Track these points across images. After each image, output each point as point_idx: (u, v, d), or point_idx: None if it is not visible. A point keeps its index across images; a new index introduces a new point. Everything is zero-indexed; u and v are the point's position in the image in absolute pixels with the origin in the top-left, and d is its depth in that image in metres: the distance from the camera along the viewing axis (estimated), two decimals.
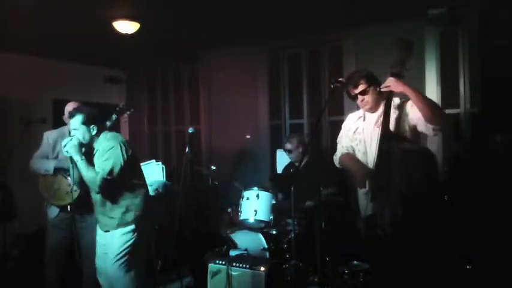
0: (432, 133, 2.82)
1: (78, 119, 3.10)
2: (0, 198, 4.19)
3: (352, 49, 5.38)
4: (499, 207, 3.77)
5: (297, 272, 3.37)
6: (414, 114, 2.84)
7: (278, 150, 5.28)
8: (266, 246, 3.81)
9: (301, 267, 3.40)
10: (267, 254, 3.75)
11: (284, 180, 4.61)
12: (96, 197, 3.21)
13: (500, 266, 3.48)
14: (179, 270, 4.17)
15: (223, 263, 3.46)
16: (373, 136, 2.95)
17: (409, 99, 2.85)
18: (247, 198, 3.98)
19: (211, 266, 3.51)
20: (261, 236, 3.88)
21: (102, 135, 3.18)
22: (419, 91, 2.86)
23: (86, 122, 3.11)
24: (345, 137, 3.25)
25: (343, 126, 3.32)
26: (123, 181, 3.15)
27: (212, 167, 5.10)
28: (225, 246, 3.80)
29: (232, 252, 3.61)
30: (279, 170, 5.10)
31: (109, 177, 3.04)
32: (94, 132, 3.14)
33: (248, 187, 4.08)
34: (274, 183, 4.61)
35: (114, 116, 4.00)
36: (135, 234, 3.18)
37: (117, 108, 4.09)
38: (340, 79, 3.05)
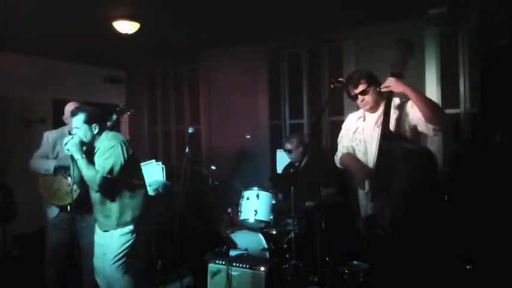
0: (432, 133, 2.82)
1: (80, 117, 3.12)
2: (0, 198, 4.19)
3: (352, 49, 5.38)
4: (499, 207, 3.77)
5: (297, 272, 3.36)
6: (414, 114, 2.84)
7: (278, 150, 5.28)
8: (266, 246, 3.81)
9: (301, 267, 3.40)
10: (267, 254, 3.75)
11: (284, 180, 4.61)
12: (96, 196, 3.21)
13: (500, 266, 3.48)
14: (179, 270, 4.17)
15: (223, 263, 3.46)
16: (373, 136, 2.95)
17: (409, 99, 2.85)
18: (247, 198, 3.98)
19: (211, 266, 3.50)
20: (261, 236, 3.88)
21: (104, 135, 3.19)
22: (420, 91, 2.87)
23: (88, 121, 3.13)
24: (345, 137, 3.25)
25: (343, 126, 3.32)
26: (122, 180, 3.16)
27: (212, 167, 5.10)
28: (225, 246, 3.79)
29: (232, 252, 3.61)
30: (279, 170, 5.10)
31: (109, 176, 3.05)
32: (96, 131, 3.16)
33: (248, 187, 4.08)
34: (274, 183, 4.60)
35: (114, 116, 4.01)
36: (134, 235, 3.18)
37: (118, 109, 4.10)
38: (340, 79, 3.05)
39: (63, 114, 3.85)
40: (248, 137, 6.00)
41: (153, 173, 4.73)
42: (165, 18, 4.78)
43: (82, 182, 3.24)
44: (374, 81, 3.01)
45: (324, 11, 4.63)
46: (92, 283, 3.48)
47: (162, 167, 4.77)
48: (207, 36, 5.58)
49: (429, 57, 4.78)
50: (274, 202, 3.95)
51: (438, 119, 2.77)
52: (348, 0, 4.33)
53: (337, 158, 3.28)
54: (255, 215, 3.88)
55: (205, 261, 3.58)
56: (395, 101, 2.93)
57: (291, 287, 3.33)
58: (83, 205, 3.45)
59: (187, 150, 4.17)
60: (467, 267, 3.51)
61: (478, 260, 3.53)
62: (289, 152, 4.42)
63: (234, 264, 3.41)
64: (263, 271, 3.31)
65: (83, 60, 6.45)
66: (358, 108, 3.24)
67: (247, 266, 3.37)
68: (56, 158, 3.73)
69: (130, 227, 3.17)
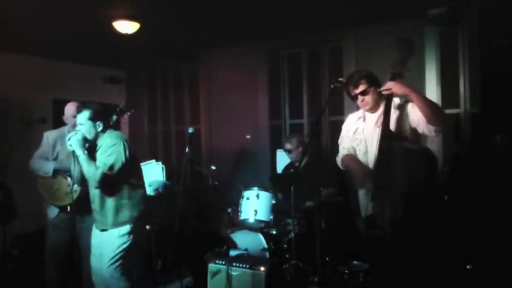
0: (433, 134, 2.82)
1: (85, 114, 3.16)
2: (0, 198, 4.19)
3: (352, 49, 5.38)
4: (499, 207, 3.77)
5: (297, 272, 3.36)
6: (415, 115, 2.84)
7: (278, 150, 5.28)
8: (266, 246, 3.81)
9: (301, 267, 3.40)
10: (267, 254, 3.75)
11: (284, 180, 4.61)
12: (94, 195, 3.22)
13: (500, 266, 3.48)
14: (179, 270, 4.17)
15: (223, 263, 3.45)
16: (374, 136, 2.95)
17: (409, 100, 2.86)
18: (247, 198, 3.98)
19: (211, 266, 3.50)
20: (261, 236, 3.88)
21: (107, 133, 3.22)
22: (420, 92, 2.87)
23: (93, 118, 3.16)
24: (346, 137, 3.25)
25: (343, 127, 3.32)
26: (122, 179, 3.17)
27: (212, 167, 5.10)
28: (225, 246, 3.79)
29: (232, 252, 3.61)
30: (279, 170, 5.10)
31: (109, 173, 3.07)
32: (100, 129, 3.19)
33: (248, 187, 4.08)
34: (274, 183, 4.60)
35: (114, 117, 4.01)
36: (131, 236, 3.19)
37: (118, 109, 4.10)
38: (340, 79, 3.05)
39: (63, 114, 3.85)
40: (248, 137, 6.00)
41: (153, 173, 4.73)
42: (165, 18, 4.78)
43: (82, 181, 3.25)
44: (374, 82, 3.01)
45: (324, 11, 4.63)
46: (92, 283, 3.48)
47: (162, 167, 4.78)
48: (207, 36, 5.58)
49: (429, 57, 4.78)
50: (274, 202, 3.95)
51: (439, 120, 2.77)
52: (348, 0, 4.33)
53: (339, 159, 3.29)
54: (255, 215, 3.88)
55: (205, 261, 3.57)
56: (396, 101, 2.93)
57: (291, 287, 3.33)
58: (82, 205, 3.45)
59: (187, 150, 4.17)
60: (467, 267, 3.51)
61: (478, 260, 3.53)
62: (289, 152, 4.42)
63: (234, 264, 3.41)
64: (263, 271, 3.30)
65: (83, 60, 6.45)
66: (358, 108, 3.24)
67: (247, 266, 3.36)
68: (55, 158, 3.73)
69: (128, 228, 3.18)
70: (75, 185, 3.47)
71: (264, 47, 5.93)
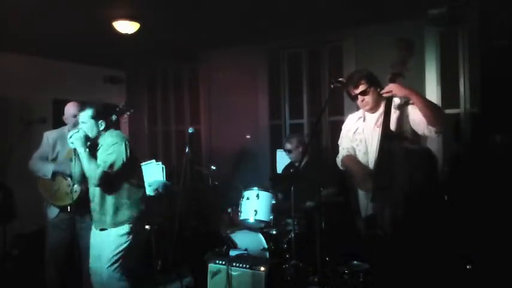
0: (434, 135, 2.82)
1: (88, 112, 3.19)
2: (0, 198, 4.19)
3: (352, 49, 5.38)
4: (499, 207, 3.77)
5: (297, 272, 3.36)
6: (415, 116, 2.84)
7: (278, 150, 5.28)
8: (266, 246, 3.81)
9: (301, 267, 3.39)
10: (267, 254, 3.75)
11: (284, 180, 4.61)
12: (94, 193, 3.23)
13: (500, 266, 3.48)
14: (179, 270, 4.17)
15: (223, 263, 3.45)
16: (374, 136, 2.95)
17: (410, 100, 2.86)
18: (247, 198, 3.98)
19: (211, 266, 3.50)
20: (261, 236, 3.88)
21: (108, 132, 3.24)
22: (421, 94, 2.87)
23: (95, 116, 3.19)
24: (345, 138, 3.25)
25: (343, 127, 3.32)
26: (122, 178, 3.18)
27: (212, 167, 5.10)
28: (225, 246, 3.79)
29: (232, 252, 3.60)
30: (279, 170, 5.10)
31: (109, 171, 3.08)
32: (101, 128, 3.21)
33: (248, 187, 4.08)
34: (274, 183, 4.60)
35: (114, 117, 4.00)
36: (131, 236, 3.20)
37: (117, 109, 4.09)
38: (340, 79, 3.05)
39: (63, 114, 3.85)
40: (248, 137, 6.00)
41: (153, 173, 4.73)
42: (165, 18, 4.78)
43: (83, 179, 3.26)
44: (374, 82, 3.01)
45: (324, 11, 4.63)
46: (91, 283, 3.48)
47: (162, 167, 4.78)
48: (207, 36, 5.58)
49: (429, 57, 4.78)
50: (274, 202, 3.95)
51: (439, 121, 2.78)
52: (348, 0, 4.33)
53: (339, 160, 3.29)
54: (255, 215, 3.88)
55: (205, 261, 3.57)
56: (396, 100, 2.93)
57: (291, 287, 3.33)
58: (83, 206, 3.44)
59: (187, 150, 4.17)
60: (467, 267, 3.51)
61: (478, 260, 3.53)
62: (289, 152, 4.42)
63: (234, 264, 3.41)
64: (263, 271, 3.30)
65: (83, 60, 6.45)
66: (358, 108, 3.24)
67: (247, 266, 3.36)
68: (55, 158, 3.73)
69: (127, 228, 3.19)
70: (75, 185, 3.47)
71: (264, 47, 5.93)
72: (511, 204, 3.70)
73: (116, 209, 3.17)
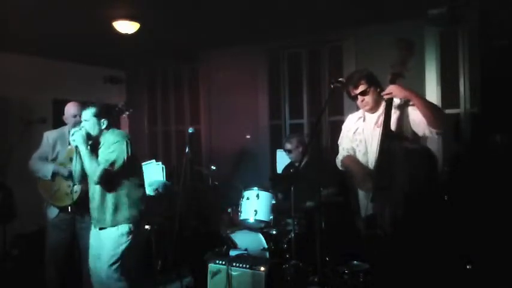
0: (435, 136, 2.82)
1: (91, 111, 3.21)
2: (0, 198, 4.19)
3: (352, 49, 5.38)
4: (499, 207, 3.77)
5: (297, 272, 3.36)
6: (416, 116, 2.84)
7: (278, 150, 5.28)
8: (266, 246, 3.81)
9: (301, 267, 3.40)
10: (267, 254, 3.75)
11: (284, 180, 4.61)
12: (94, 192, 3.23)
13: (500, 266, 3.48)
14: (179, 270, 4.17)
15: (223, 263, 3.45)
16: (374, 136, 2.95)
17: (410, 101, 2.86)
18: (247, 198, 3.98)
19: (211, 266, 3.50)
20: (261, 236, 3.88)
21: (110, 131, 3.25)
22: (421, 95, 2.87)
23: (98, 115, 3.20)
24: (345, 138, 3.25)
25: (343, 127, 3.32)
26: (123, 176, 3.19)
27: (212, 167, 5.10)
28: (225, 246, 3.79)
29: (232, 252, 3.61)
30: (279, 170, 5.10)
31: (110, 169, 3.09)
32: (104, 126, 3.22)
33: (248, 187, 4.08)
34: (274, 183, 4.60)
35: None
36: (130, 236, 3.19)
37: (116, 109, 4.09)
38: (340, 79, 3.05)
39: (63, 114, 3.85)
40: (248, 137, 6.00)
41: (153, 173, 4.73)
42: (165, 18, 4.78)
43: (83, 178, 3.26)
44: (374, 82, 3.00)
45: (324, 11, 4.63)
46: (91, 283, 3.48)
47: (162, 167, 4.78)
48: (207, 36, 5.58)
49: (429, 57, 4.78)
50: (274, 202, 3.95)
51: (440, 122, 2.78)
52: (348, 0, 4.33)
53: (338, 160, 3.29)
54: (255, 215, 3.89)
55: (205, 261, 3.57)
56: (396, 101, 2.93)
57: (291, 287, 3.33)
58: (83, 206, 3.45)
59: (187, 150, 4.17)
60: (467, 267, 3.51)
61: (478, 260, 3.53)
62: (289, 152, 4.42)
63: (234, 264, 3.41)
64: (263, 271, 3.30)
65: (83, 60, 6.45)
66: (358, 108, 3.23)
67: (247, 266, 3.36)
68: (55, 158, 3.72)
69: (127, 228, 3.18)
70: (75, 186, 3.47)
71: (264, 47, 5.93)
72: (511, 204, 3.70)
73: (116, 208, 3.17)
